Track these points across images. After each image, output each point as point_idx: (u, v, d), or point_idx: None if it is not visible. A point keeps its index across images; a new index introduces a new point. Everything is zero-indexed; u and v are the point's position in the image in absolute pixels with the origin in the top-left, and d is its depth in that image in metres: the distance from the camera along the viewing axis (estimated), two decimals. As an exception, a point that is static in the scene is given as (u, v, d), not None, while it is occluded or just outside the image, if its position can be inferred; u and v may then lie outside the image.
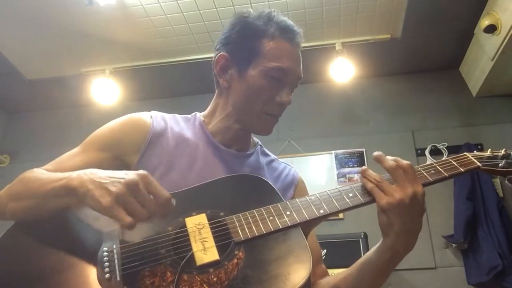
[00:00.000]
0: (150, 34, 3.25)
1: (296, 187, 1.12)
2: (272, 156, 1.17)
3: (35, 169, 0.92)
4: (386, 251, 0.85)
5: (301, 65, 1.05)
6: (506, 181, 0.90)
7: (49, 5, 2.94)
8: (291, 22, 1.04)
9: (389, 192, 0.81)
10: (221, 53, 1.04)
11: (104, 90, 3.55)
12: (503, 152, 0.91)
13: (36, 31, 3.19)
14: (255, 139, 1.17)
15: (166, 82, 3.85)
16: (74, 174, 0.79)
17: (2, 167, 4.03)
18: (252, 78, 1.00)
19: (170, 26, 3.18)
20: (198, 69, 3.53)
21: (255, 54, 1.00)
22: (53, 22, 3.09)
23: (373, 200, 0.85)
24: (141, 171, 0.77)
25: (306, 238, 0.83)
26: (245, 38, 1.02)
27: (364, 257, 0.91)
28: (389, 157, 0.85)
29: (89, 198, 0.74)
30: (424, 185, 0.85)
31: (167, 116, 1.09)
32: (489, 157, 0.92)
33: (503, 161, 0.90)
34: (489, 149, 0.94)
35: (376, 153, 0.85)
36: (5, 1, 2.89)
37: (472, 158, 0.91)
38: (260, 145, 1.16)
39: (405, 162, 0.84)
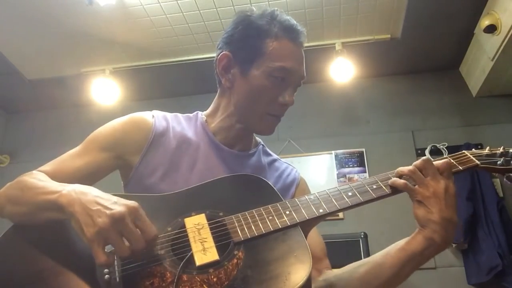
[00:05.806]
0: (150, 34, 3.25)
1: (297, 187, 1.11)
2: (274, 156, 1.16)
3: (34, 172, 0.91)
4: (422, 241, 0.83)
5: (304, 64, 1.04)
6: (504, 179, 0.90)
7: (49, 5, 2.94)
8: (294, 22, 1.03)
9: (423, 184, 0.83)
10: (224, 52, 1.03)
11: (104, 90, 3.55)
12: (501, 149, 0.91)
13: (36, 31, 3.18)
14: (257, 138, 1.16)
15: (166, 82, 3.85)
16: (65, 190, 0.78)
17: (2, 167, 4.02)
18: (255, 78, 0.99)
19: (170, 26, 3.18)
20: (198, 69, 3.53)
21: (258, 54, 0.99)
22: (53, 22, 3.08)
23: (372, 199, 0.85)
24: (132, 203, 0.74)
25: (306, 237, 0.82)
26: (248, 38, 1.01)
27: (389, 248, 0.88)
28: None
29: (74, 221, 0.74)
30: None
31: (169, 116, 1.09)
32: (487, 155, 0.92)
33: (502, 159, 0.90)
34: (488, 147, 0.94)
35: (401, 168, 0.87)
36: (5, 1, 2.89)
37: (471, 156, 0.91)
38: (262, 144, 1.15)
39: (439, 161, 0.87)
